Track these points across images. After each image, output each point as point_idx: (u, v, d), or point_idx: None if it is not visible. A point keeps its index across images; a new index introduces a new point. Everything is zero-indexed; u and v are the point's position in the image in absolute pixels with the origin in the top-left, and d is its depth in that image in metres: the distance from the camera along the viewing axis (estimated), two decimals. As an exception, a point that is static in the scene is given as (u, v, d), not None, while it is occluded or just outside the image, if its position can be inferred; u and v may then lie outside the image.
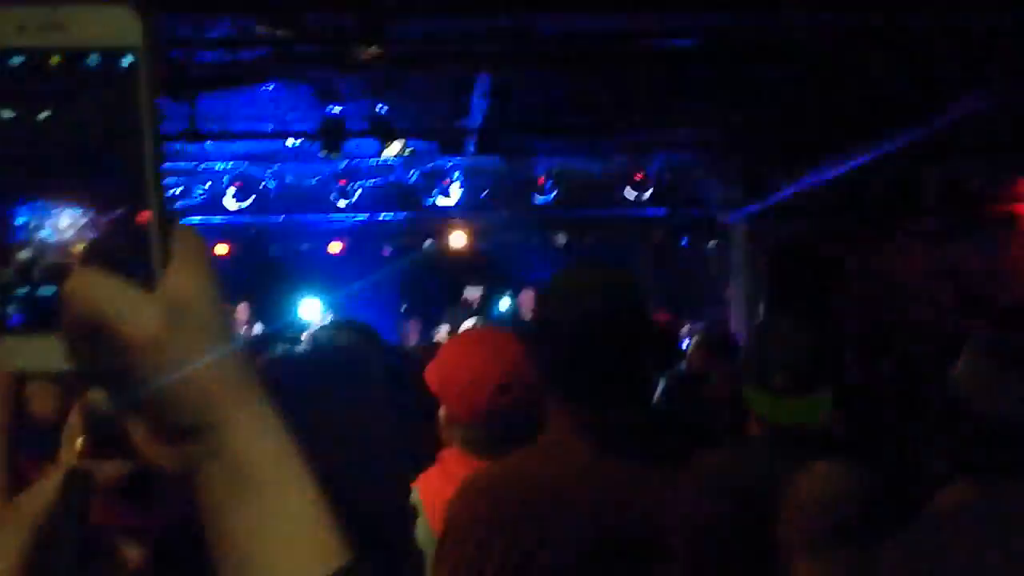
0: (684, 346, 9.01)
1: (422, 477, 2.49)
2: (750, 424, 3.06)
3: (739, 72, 8.01)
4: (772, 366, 2.92)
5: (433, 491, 2.41)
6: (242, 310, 12.03)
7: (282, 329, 11.53)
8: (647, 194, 10.72)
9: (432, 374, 2.54)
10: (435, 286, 13.27)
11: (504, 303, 12.47)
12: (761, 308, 10.95)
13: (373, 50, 6.00)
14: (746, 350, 3.09)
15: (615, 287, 2.21)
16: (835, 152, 9.46)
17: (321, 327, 3.31)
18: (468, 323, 11.42)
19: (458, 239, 13.55)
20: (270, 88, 7.61)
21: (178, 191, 11.00)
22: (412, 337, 11.64)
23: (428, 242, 13.56)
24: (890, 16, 6.67)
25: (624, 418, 2.14)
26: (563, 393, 2.17)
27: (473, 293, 11.96)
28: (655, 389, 4.97)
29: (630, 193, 10.71)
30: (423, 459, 2.54)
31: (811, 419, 2.96)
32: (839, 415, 3.35)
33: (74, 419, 2.59)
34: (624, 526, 2.04)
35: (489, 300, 12.16)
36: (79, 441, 2.07)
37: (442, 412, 2.51)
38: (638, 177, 10.57)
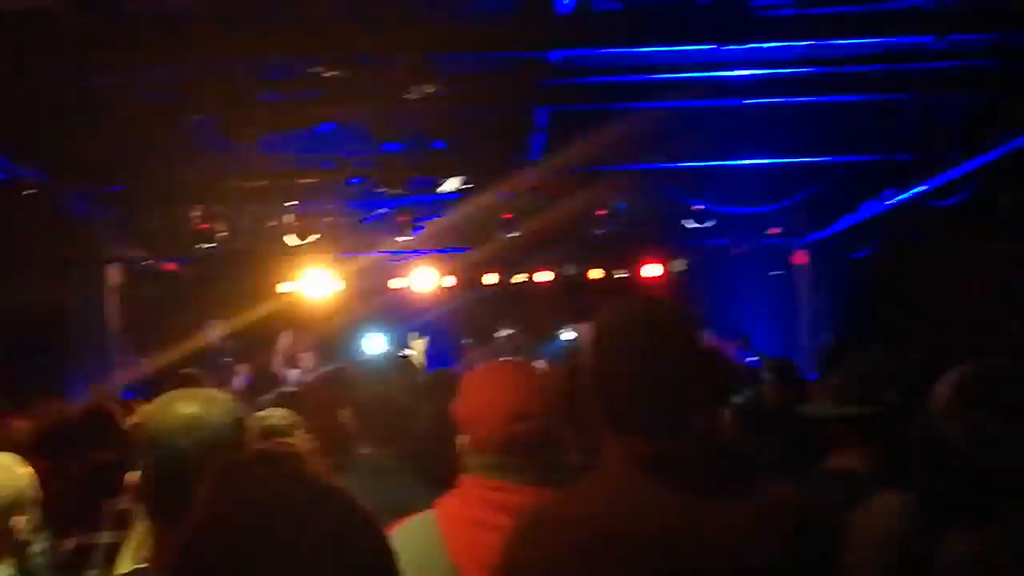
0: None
1: (440, 501, 2.55)
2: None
3: (799, 99, 7.97)
4: (880, 384, 2.94)
5: (453, 514, 2.49)
6: (305, 358, 12.18)
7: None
8: (709, 223, 10.66)
9: (455, 404, 2.62)
10: (498, 319, 13.30)
11: (567, 335, 12.47)
12: (827, 336, 10.84)
13: (427, 88, 6.06)
14: (841, 375, 3.10)
15: (668, 318, 2.20)
16: (900, 177, 9.37)
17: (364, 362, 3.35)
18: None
19: (522, 275, 13.58)
20: (328, 128, 7.70)
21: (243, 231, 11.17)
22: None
23: (488, 276, 13.60)
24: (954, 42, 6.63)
25: (683, 450, 2.12)
26: (618, 425, 2.16)
27: (506, 333, 12.01)
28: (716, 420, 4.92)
29: (691, 223, 10.65)
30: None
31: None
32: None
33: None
34: (686, 560, 2.02)
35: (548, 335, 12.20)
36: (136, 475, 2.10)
37: (460, 439, 2.56)
38: (698, 208, 10.52)
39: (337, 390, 3.59)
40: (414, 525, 2.48)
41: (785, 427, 4.80)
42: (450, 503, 2.52)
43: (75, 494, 3.55)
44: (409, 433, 3.14)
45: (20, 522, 3.09)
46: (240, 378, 12.02)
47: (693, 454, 2.14)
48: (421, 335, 12.52)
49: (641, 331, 2.17)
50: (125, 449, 4.07)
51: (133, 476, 3.57)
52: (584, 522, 2.08)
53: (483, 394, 2.57)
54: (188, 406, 2.25)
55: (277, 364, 12.28)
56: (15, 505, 3.06)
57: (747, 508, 2.09)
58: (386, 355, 3.29)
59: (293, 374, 12.12)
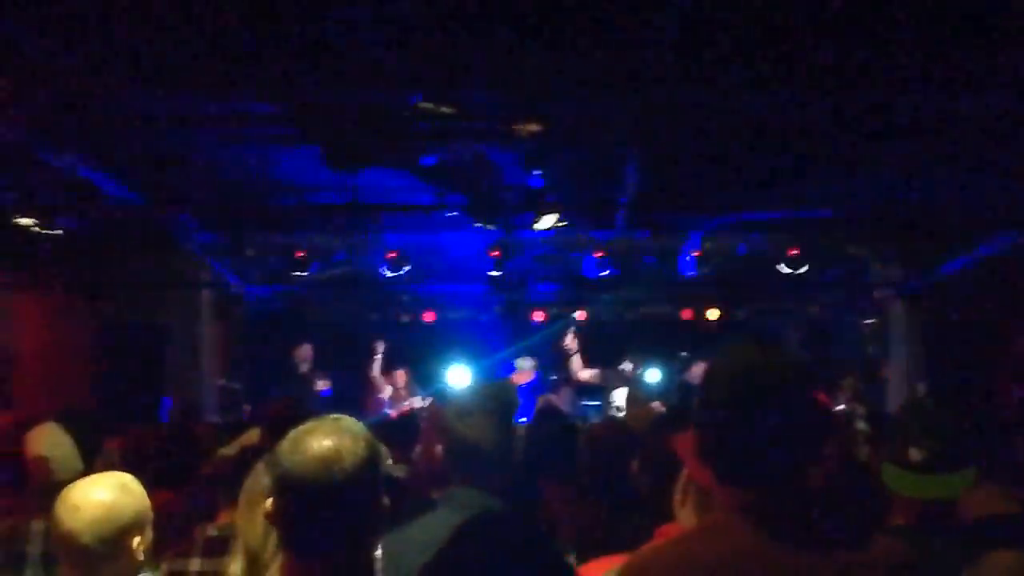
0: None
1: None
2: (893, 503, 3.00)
3: (898, 146, 7.88)
4: (910, 443, 2.89)
5: None
6: (400, 376, 12.44)
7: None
8: (802, 269, 10.53)
9: (682, 442, 2.58)
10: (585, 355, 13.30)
11: (652, 375, 12.43)
12: (921, 387, 10.65)
13: (531, 126, 6.12)
14: (890, 426, 3.07)
15: (782, 367, 2.19)
16: (996, 228, 9.21)
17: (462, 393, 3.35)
18: (619, 393, 11.58)
19: (608, 310, 13.56)
20: (428, 162, 7.79)
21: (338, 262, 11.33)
22: (564, 405, 11.70)
23: (577, 312, 13.61)
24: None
25: (790, 501, 2.12)
26: (728, 474, 2.16)
27: (627, 366, 12.01)
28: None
29: (784, 268, 10.53)
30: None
31: (949, 495, 2.91)
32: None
33: (264, 479, 2.67)
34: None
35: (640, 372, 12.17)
36: (268, 502, 2.19)
37: (685, 474, 2.54)
38: (792, 252, 10.40)
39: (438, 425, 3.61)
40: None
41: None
42: None
43: (165, 519, 3.58)
44: (500, 472, 3.13)
45: (137, 543, 3.10)
46: (320, 390, 12.25)
47: (800, 506, 2.13)
48: (532, 357, 12.71)
49: (755, 380, 2.15)
50: (214, 475, 4.15)
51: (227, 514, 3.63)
52: (689, 570, 2.09)
53: None
54: (322, 441, 2.25)
55: (376, 377, 12.55)
56: (134, 525, 3.06)
57: (853, 562, 2.08)
58: (481, 390, 3.24)
59: (387, 391, 12.36)
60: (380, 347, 12.82)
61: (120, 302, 11.42)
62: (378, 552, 2.64)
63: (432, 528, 2.87)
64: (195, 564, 3.70)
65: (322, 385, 12.39)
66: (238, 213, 10.21)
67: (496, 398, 3.27)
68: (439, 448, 3.27)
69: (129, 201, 9.12)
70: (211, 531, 3.77)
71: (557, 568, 2.97)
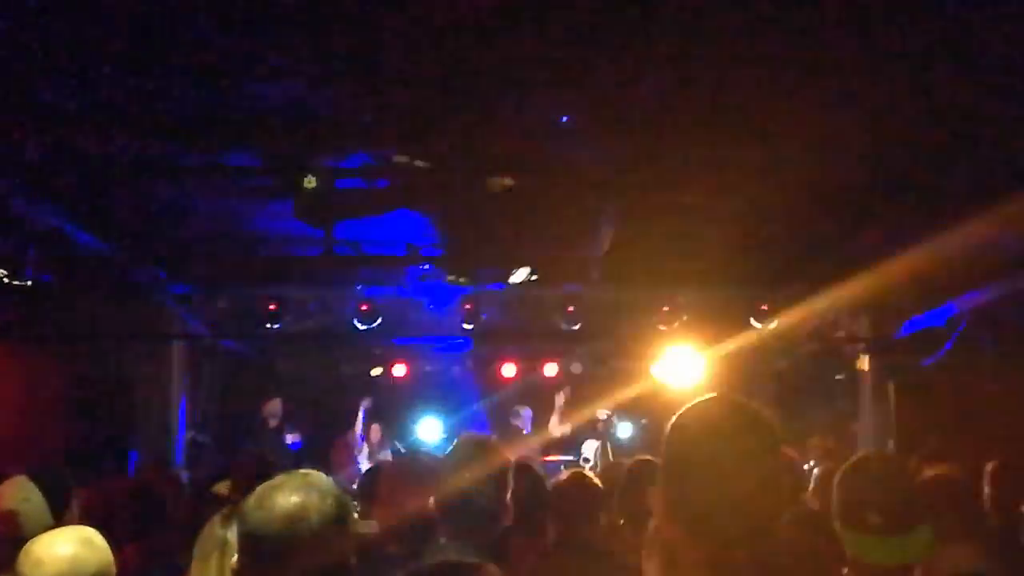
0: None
1: None
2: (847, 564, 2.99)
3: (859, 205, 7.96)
4: (866, 507, 2.88)
5: None
6: (375, 431, 12.41)
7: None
8: (772, 324, 10.59)
9: (651, 496, 2.59)
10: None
11: (625, 429, 12.46)
12: (891, 444, 10.65)
13: (505, 181, 6.16)
14: (840, 488, 3.06)
15: (749, 421, 2.20)
16: (967, 283, 9.27)
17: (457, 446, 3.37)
18: (589, 445, 11.59)
19: (578, 365, 13.59)
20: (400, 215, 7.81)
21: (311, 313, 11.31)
22: (535, 459, 11.67)
23: (548, 366, 13.63)
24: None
25: (756, 558, 2.11)
26: (694, 530, 2.15)
27: (601, 415, 12.07)
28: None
29: (754, 323, 10.59)
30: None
31: (905, 559, 2.90)
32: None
33: (219, 531, 2.67)
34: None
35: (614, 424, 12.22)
36: (234, 560, 2.15)
37: (652, 529, 2.55)
38: (763, 308, 10.46)
39: (418, 480, 3.60)
40: None
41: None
42: None
43: (130, 574, 3.54)
44: (489, 530, 3.14)
45: (101, 598, 3.07)
46: (290, 443, 12.20)
47: (766, 561, 2.13)
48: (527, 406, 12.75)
49: (721, 436, 2.16)
50: (181, 530, 4.09)
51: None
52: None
53: None
54: (289, 497, 2.21)
55: (352, 436, 12.51)
56: (97, 580, 3.07)
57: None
58: (475, 447, 3.25)
59: (363, 449, 12.34)
60: (364, 404, 12.78)
61: (90, 354, 11.32)
62: None
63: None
64: None
65: (292, 438, 12.34)
66: (210, 265, 10.19)
67: (489, 456, 3.27)
68: (424, 503, 3.27)
69: (100, 252, 9.09)
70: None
71: None
